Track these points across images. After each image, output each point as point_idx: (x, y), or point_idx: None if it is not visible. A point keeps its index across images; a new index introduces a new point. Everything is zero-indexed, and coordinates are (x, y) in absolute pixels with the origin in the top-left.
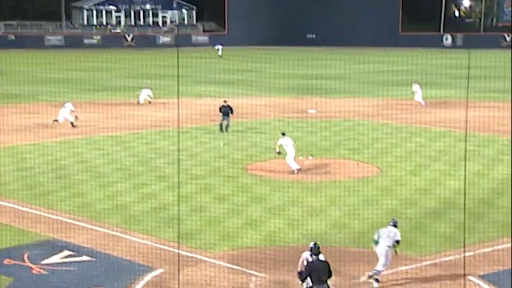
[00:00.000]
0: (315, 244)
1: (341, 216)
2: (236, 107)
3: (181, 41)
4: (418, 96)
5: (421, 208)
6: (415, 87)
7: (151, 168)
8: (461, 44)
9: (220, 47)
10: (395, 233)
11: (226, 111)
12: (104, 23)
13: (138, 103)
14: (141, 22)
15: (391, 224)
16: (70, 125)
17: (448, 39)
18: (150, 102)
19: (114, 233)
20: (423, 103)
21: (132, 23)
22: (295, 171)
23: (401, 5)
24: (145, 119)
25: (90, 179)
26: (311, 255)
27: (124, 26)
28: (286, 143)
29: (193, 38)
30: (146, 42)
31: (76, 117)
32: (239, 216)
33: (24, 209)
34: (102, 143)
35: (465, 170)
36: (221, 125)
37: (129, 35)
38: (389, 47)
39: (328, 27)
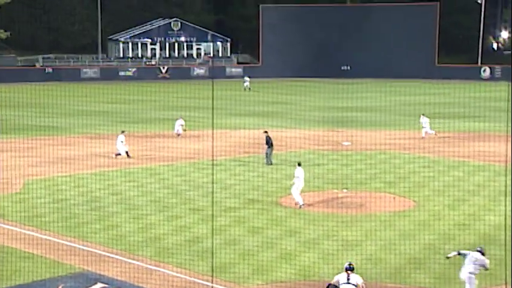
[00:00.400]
0: (350, 264)
1: (377, 251)
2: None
3: (216, 73)
4: (427, 129)
5: (460, 243)
6: (424, 120)
7: (184, 201)
8: (500, 76)
9: (248, 79)
10: (482, 261)
11: (268, 141)
12: (139, 55)
13: (178, 135)
14: (176, 54)
15: (478, 249)
16: (114, 156)
17: (486, 71)
18: (179, 134)
19: (147, 265)
20: (429, 132)
21: (167, 55)
22: (301, 206)
23: (437, 36)
24: (179, 151)
25: (123, 211)
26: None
27: (159, 58)
28: (298, 174)
29: (228, 69)
30: (180, 74)
31: (127, 154)
32: (273, 250)
33: (59, 240)
34: (136, 175)
35: (505, 205)
36: (267, 156)
37: (163, 67)
38: (426, 79)
39: (363, 59)
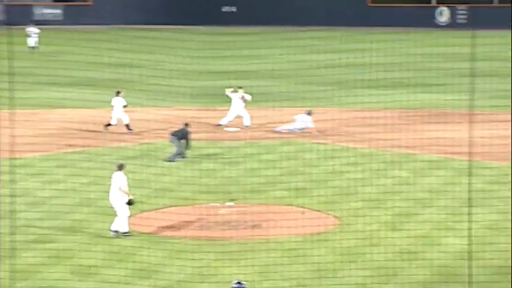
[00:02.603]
0: (239, 283)
1: None
2: (105, 123)
3: (15, 17)
4: (235, 110)
5: (405, 283)
6: (234, 96)
7: None
8: (465, 20)
9: (34, 30)
10: None
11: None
12: None
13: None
14: None
15: None
16: None
17: (443, 15)
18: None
19: None
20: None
21: None
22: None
23: None
24: None
25: None
26: None
27: None
28: (114, 181)
29: (37, 11)
30: None
31: None
32: None
33: None
34: None
35: (470, 221)
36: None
37: None
38: (353, 26)
39: None
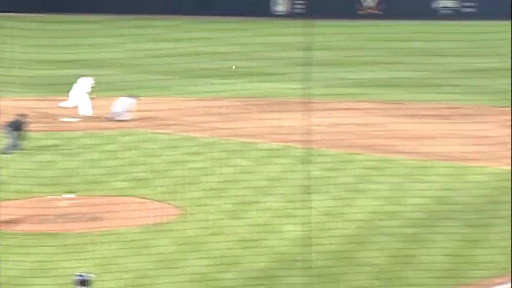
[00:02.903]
0: (81, 275)
1: None
2: None
3: None
4: (76, 97)
5: (245, 270)
6: (81, 83)
7: None
8: (304, 11)
9: None
10: None
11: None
12: None
13: None
14: None
15: None
16: None
17: (280, 4)
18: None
19: None
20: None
21: None
22: None
23: None
24: None
25: None
26: None
27: None
28: None
29: None
30: None
31: None
32: None
33: None
34: None
35: (309, 208)
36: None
37: None
38: (196, 15)
39: None
